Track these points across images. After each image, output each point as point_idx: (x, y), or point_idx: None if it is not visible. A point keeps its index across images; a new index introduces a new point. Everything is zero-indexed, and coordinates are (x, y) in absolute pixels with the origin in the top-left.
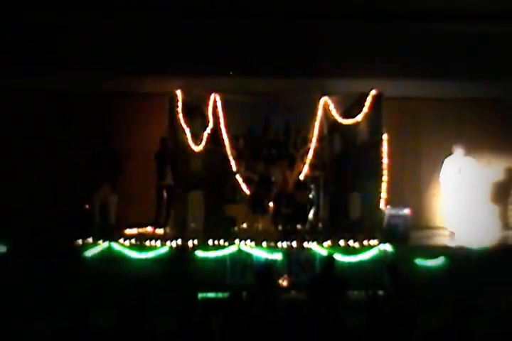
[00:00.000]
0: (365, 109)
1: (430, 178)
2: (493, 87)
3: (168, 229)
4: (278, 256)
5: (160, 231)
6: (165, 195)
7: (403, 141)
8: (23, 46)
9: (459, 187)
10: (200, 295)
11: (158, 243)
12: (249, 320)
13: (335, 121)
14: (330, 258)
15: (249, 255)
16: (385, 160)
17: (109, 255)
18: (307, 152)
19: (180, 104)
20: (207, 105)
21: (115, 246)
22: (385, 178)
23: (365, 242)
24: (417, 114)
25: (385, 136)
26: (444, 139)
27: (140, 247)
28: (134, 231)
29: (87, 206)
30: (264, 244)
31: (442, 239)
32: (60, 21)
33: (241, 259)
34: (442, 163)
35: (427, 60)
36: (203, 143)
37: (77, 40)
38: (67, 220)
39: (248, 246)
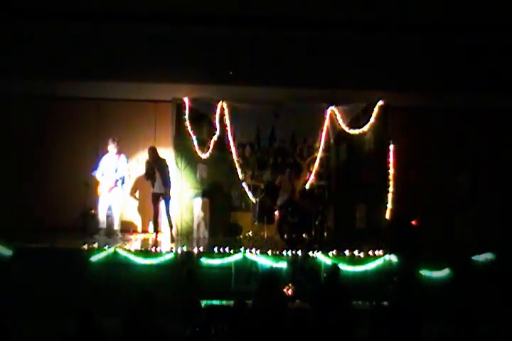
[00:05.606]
0: (372, 120)
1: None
2: (503, 98)
3: (173, 236)
4: (283, 265)
5: (165, 237)
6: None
7: (409, 152)
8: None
9: None
10: (205, 302)
11: (164, 249)
12: (254, 328)
13: (341, 131)
14: (334, 268)
15: (254, 263)
16: (391, 171)
17: (114, 260)
18: (313, 161)
19: (187, 111)
20: (214, 113)
21: (120, 251)
22: (390, 189)
23: (370, 252)
24: (424, 125)
25: (391, 147)
26: (450, 150)
27: (145, 253)
28: (139, 237)
29: (93, 211)
30: (269, 252)
31: None
32: (73, 30)
33: (246, 267)
34: (449, 174)
35: (436, 71)
36: (210, 150)
37: (86, 48)
38: (73, 225)
39: (253, 254)
